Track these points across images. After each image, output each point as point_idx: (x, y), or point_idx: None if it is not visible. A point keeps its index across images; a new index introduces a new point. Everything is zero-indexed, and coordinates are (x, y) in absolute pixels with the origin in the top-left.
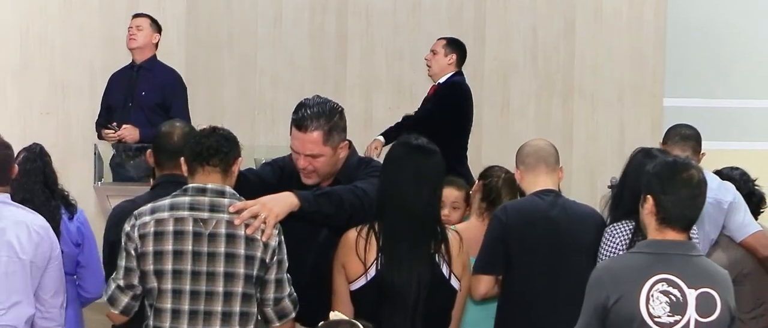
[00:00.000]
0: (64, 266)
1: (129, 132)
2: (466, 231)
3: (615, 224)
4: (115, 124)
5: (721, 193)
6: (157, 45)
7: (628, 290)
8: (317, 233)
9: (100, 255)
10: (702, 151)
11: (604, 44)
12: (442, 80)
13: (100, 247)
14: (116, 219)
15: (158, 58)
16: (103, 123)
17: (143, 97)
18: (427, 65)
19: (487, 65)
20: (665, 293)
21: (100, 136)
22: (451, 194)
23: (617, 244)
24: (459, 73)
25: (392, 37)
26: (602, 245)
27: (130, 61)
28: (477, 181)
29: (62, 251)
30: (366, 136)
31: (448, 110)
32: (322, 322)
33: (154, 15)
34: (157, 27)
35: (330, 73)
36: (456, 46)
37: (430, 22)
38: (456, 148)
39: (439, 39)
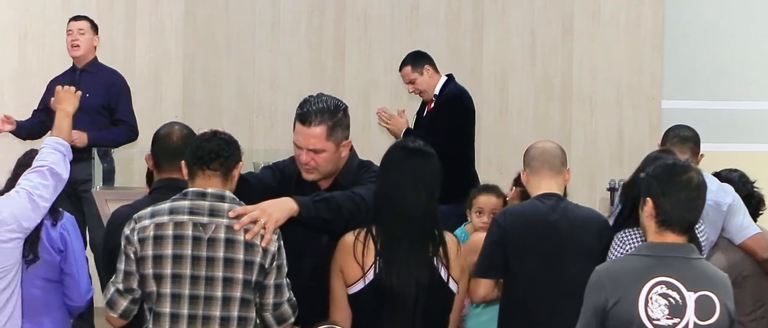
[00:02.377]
0: (45, 273)
1: (77, 136)
2: None
3: (626, 230)
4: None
5: (720, 195)
6: (95, 47)
7: (627, 293)
8: (317, 239)
9: (85, 264)
10: (701, 153)
11: (602, 47)
12: (437, 90)
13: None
14: (116, 224)
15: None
16: (41, 128)
17: (87, 100)
18: (417, 94)
19: (486, 68)
20: (664, 295)
21: (26, 137)
22: (489, 200)
23: (627, 249)
24: (450, 79)
25: (390, 41)
26: (612, 249)
27: (71, 65)
28: (513, 187)
29: (41, 258)
30: (365, 139)
31: (465, 125)
32: None
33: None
34: (96, 28)
35: (328, 76)
36: (419, 59)
37: (428, 25)
38: (463, 160)
39: (400, 69)
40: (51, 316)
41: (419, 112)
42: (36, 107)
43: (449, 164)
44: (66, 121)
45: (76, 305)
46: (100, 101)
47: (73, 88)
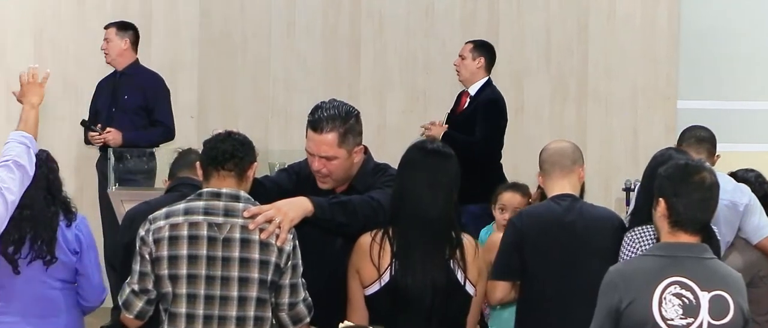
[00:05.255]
0: (62, 274)
1: (112, 136)
2: None
3: (636, 229)
4: (99, 126)
5: (736, 195)
6: (135, 45)
7: (641, 293)
8: (332, 241)
9: (101, 264)
10: (717, 154)
11: (617, 47)
12: (474, 89)
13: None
14: (129, 221)
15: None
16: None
17: (126, 101)
18: (457, 71)
19: (501, 68)
20: (678, 295)
21: (86, 141)
22: (514, 198)
23: (638, 248)
24: (489, 81)
25: (405, 41)
26: (623, 248)
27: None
28: (537, 189)
29: (58, 259)
30: (379, 140)
31: (501, 130)
32: None
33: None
34: (127, 29)
35: (343, 77)
36: (484, 49)
37: (443, 25)
38: (495, 162)
39: (466, 43)
40: (66, 316)
41: (452, 110)
42: (88, 114)
43: (483, 165)
44: (32, 113)
45: (90, 305)
46: (138, 103)
47: (36, 73)
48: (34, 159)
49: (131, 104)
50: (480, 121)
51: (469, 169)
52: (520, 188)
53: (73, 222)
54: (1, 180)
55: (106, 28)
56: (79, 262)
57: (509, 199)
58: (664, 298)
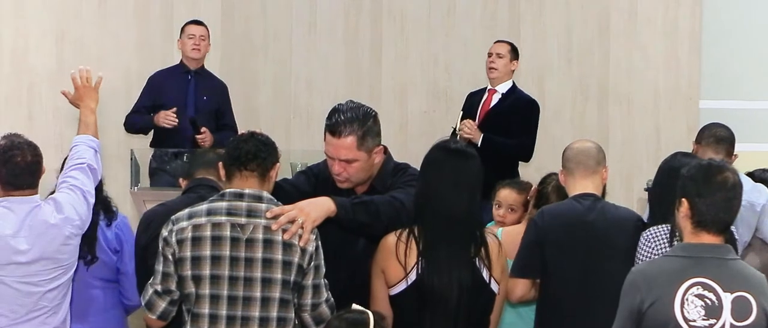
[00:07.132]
0: (103, 273)
1: (209, 136)
2: (510, 234)
3: (651, 229)
4: (204, 129)
5: (753, 195)
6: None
7: (663, 294)
8: (354, 242)
9: None
10: (735, 153)
11: (639, 47)
12: (504, 89)
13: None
14: (146, 223)
15: None
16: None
17: (205, 102)
18: (493, 67)
19: (522, 68)
20: (700, 296)
21: (132, 129)
22: (509, 195)
23: (653, 247)
24: (515, 84)
25: (427, 41)
26: (639, 248)
27: (177, 64)
28: (537, 185)
29: (99, 258)
30: (400, 140)
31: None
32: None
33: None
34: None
35: (365, 77)
36: (517, 55)
37: (465, 25)
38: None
39: (500, 42)
40: (108, 315)
41: (471, 107)
42: (135, 105)
43: (513, 165)
44: (92, 117)
45: (133, 303)
46: (214, 105)
47: (90, 75)
48: (101, 162)
49: (208, 106)
50: (524, 122)
51: (503, 168)
52: (517, 184)
53: (114, 221)
54: (83, 184)
55: (197, 24)
56: (120, 261)
57: (505, 195)
58: (687, 299)
